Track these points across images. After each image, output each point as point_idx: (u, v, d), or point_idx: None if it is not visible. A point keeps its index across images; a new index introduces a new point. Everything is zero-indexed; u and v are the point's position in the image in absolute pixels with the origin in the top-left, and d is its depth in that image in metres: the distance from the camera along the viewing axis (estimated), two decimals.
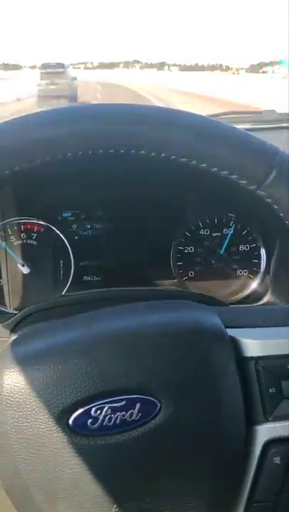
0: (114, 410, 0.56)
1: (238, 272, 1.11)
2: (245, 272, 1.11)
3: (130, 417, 0.56)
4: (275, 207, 0.63)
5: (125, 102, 0.82)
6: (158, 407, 0.56)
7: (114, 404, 0.56)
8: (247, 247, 1.10)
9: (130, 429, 0.56)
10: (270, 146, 0.63)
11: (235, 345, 0.62)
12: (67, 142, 0.59)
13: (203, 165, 0.61)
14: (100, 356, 0.57)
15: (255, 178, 0.61)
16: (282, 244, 0.90)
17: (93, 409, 0.55)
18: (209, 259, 1.10)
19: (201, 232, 1.10)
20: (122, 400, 0.56)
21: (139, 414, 0.56)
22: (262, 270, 1.09)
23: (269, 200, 0.63)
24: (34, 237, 1.05)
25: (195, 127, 0.61)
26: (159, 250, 1.10)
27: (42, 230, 1.05)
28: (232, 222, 1.09)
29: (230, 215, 1.08)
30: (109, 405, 0.56)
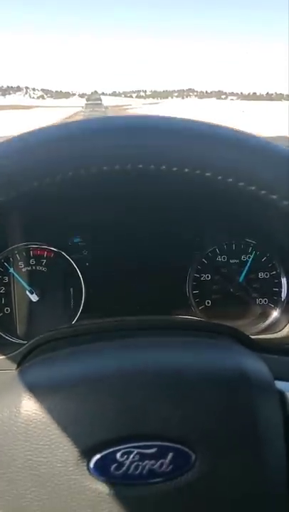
0: (143, 457, 0.48)
1: (258, 301, 1.04)
2: (266, 301, 1.04)
3: (160, 468, 0.48)
4: None
5: None
6: (192, 460, 0.49)
7: (144, 451, 0.48)
8: (267, 275, 1.03)
9: (159, 481, 0.48)
10: None
11: (283, 399, 0.53)
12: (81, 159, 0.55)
13: (229, 180, 0.55)
14: (134, 394, 0.50)
15: (287, 193, 0.55)
16: None
17: (119, 453, 0.48)
18: (227, 287, 1.04)
19: (219, 258, 1.04)
20: (153, 447, 0.49)
21: (171, 466, 0.48)
22: (283, 299, 1.02)
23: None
24: (44, 263, 1.02)
25: (225, 140, 0.55)
26: (174, 277, 1.05)
27: (52, 255, 1.02)
28: (251, 249, 1.03)
29: (249, 240, 1.03)
30: (138, 450, 0.48)
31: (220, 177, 0.54)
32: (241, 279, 1.03)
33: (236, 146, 0.55)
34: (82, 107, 37.58)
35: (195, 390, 0.51)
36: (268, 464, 0.50)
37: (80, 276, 1.02)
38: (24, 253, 1.02)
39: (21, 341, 0.99)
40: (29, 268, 1.02)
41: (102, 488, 0.48)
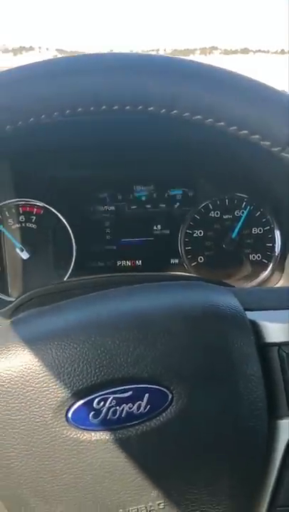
0: (119, 402, 0.48)
1: (251, 257, 1.03)
2: (259, 257, 1.02)
3: (138, 410, 0.49)
4: None
5: None
6: (169, 398, 0.49)
7: (120, 395, 0.49)
8: (260, 230, 1.01)
9: (137, 423, 0.49)
10: None
11: (256, 329, 0.53)
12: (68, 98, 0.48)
13: (220, 123, 0.50)
14: (104, 340, 0.49)
15: (281, 139, 0.51)
16: None
17: (96, 401, 0.48)
18: (220, 243, 1.02)
19: (211, 214, 1.02)
20: (128, 390, 0.49)
21: (148, 407, 0.49)
22: (276, 254, 1.01)
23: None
24: (33, 220, 1.01)
25: (214, 80, 0.50)
26: (165, 234, 1.03)
27: (42, 212, 1.01)
28: (244, 204, 1.01)
29: (242, 195, 1.00)
30: (114, 396, 0.48)
31: (210, 120, 0.50)
32: (234, 234, 1.01)
33: (230, 86, 0.52)
34: None
35: (164, 328, 0.50)
36: (244, 396, 0.50)
37: (71, 232, 1.01)
38: (13, 210, 1.01)
39: (12, 299, 0.99)
40: (19, 225, 1.01)
41: (82, 436, 0.48)
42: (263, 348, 0.53)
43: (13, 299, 0.98)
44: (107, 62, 0.50)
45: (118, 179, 1.02)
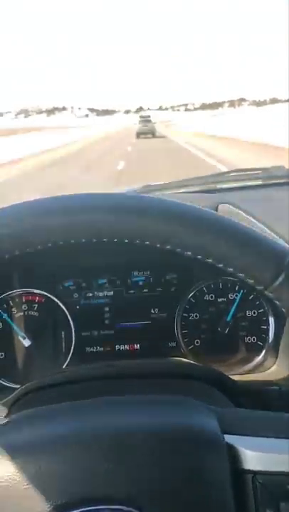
0: None
1: (247, 339, 1.04)
2: (254, 339, 1.03)
3: None
4: (283, 310, 0.59)
5: None
6: None
7: None
8: (254, 313, 1.03)
9: None
10: (281, 247, 0.59)
11: (232, 454, 0.53)
12: (72, 231, 0.59)
13: (209, 260, 0.58)
14: (80, 457, 0.50)
15: (263, 280, 0.57)
16: None
17: None
18: (215, 326, 1.04)
19: (206, 297, 1.05)
20: (101, 511, 0.49)
21: None
22: (270, 336, 1.02)
23: (277, 301, 0.59)
24: (35, 308, 1.06)
25: (204, 223, 0.58)
26: (162, 317, 1.06)
27: (43, 300, 1.05)
28: (238, 287, 1.03)
29: (235, 278, 1.02)
30: None
31: (199, 256, 0.58)
32: (229, 317, 1.03)
33: (218, 230, 0.58)
34: (136, 123, 44.71)
35: (140, 449, 0.51)
36: None
37: (70, 319, 1.05)
38: (17, 299, 1.06)
39: (15, 385, 1.02)
40: (22, 313, 1.05)
41: None
42: (238, 474, 0.52)
43: (16, 386, 1.02)
44: (114, 203, 0.58)
45: (116, 265, 1.06)
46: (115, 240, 0.58)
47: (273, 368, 0.98)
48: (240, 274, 0.57)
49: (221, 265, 0.57)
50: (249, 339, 1.04)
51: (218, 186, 1.57)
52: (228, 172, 1.81)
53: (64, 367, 1.04)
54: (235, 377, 0.93)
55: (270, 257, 0.57)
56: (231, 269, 0.57)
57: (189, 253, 0.57)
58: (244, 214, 0.98)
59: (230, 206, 1.00)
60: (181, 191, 1.52)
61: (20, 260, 1.01)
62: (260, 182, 1.59)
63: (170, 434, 0.53)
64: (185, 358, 1.03)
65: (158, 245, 0.57)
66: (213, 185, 1.59)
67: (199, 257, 0.57)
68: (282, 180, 1.54)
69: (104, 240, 0.57)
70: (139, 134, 38.68)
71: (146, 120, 41.87)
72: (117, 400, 0.60)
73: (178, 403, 0.61)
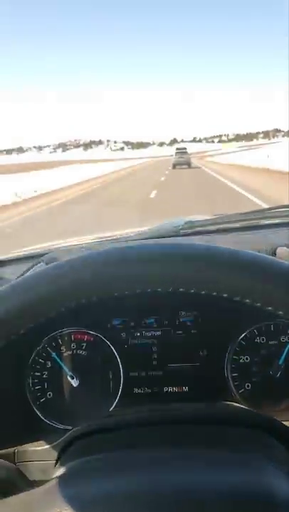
0: None
1: None
2: None
3: None
4: None
5: None
6: None
7: None
8: None
9: None
10: None
11: None
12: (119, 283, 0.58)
13: (269, 308, 0.56)
14: None
15: None
16: None
17: None
18: (267, 369, 1.01)
19: (257, 340, 1.02)
20: None
21: None
22: None
23: None
24: (84, 347, 1.05)
25: (273, 275, 0.55)
26: (212, 360, 1.04)
27: (92, 339, 1.05)
28: None
29: (287, 321, 1.00)
30: None
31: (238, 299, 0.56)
32: (281, 361, 1.00)
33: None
34: (172, 155, 45.18)
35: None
36: None
37: (119, 359, 1.04)
38: (66, 338, 1.06)
39: (64, 426, 1.01)
40: (70, 352, 1.05)
41: None
42: None
43: (63, 427, 1.00)
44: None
45: (164, 305, 1.05)
46: (158, 290, 0.57)
47: None
48: (280, 312, 0.55)
49: (258, 304, 0.55)
50: None
51: (261, 222, 1.55)
52: (270, 209, 1.78)
53: (112, 408, 1.03)
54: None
55: None
56: (270, 308, 0.55)
57: (258, 304, 0.55)
58: None
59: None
60: (222, 227, 1.51)
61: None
62: None
63: (249, 501, 0.50)
64: (236, 402, 1.01)
65: (203, 292, 0.56)
66: (255, 221, 1.57)
67: (259, 304, 0.56)
68: None
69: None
70: (175, 165, 40.14)
71: (182, 152, 43.30)
72: (181, 456, 0.58)
73: (248, 462, 0.58)
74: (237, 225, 1.54)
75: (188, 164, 40.51)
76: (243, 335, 1.02)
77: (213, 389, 1.03)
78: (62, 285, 0.57)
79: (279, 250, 0.97)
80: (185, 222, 1.58)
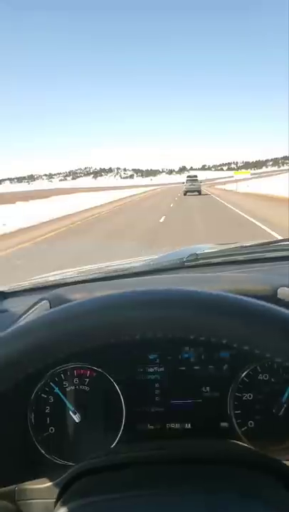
0: None
1: None
2: None
3: None
4: None
5: None
6: None
7: None
8: None
9: None
10: None
11: None
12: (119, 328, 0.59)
13: (257, 351, 0.56)
14: None
15: None
16: None
17: None
18: (270, 407, 1.00)
19: (260, 377, 1.01)
20: None
21: None
22: None
23: None
24: (86, 383, 1.05)
25: (273, 323, 0.56)
26: (215, 396, 1.03)
27: (94, 375, 1.05)
28: None
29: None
30: None
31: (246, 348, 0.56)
32: (284, 398, 0.99)
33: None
34: (184, 182, 47.78)
35: None
36: None
37: (121, 395, 1.03)
38: (69, 373, 1.05)
39: (65, 462, 1.00)
40: (73, 388, 1.05)
41: None
42: None
43: (65, 462, 1.00)
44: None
45: (167, 341, 1.05)
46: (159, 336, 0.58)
47: None
48: (278, 359, 0.55)
49: (257, 351, 0.55)
50: None
51: (267, 255, 1.55)
52: (275, 241, 1.79)
53: (114, 445, 1.02)
54: None
55: None
56: (268, 355, 0.55)
57: (257, 352, 0.55)
58: None
59: None
60: (226, 259, 1.51)
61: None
62: None
63: None
64: (238, 440, 0.99)
65: (202, 338, 0.57)
66: (260, 254, 1.57)
67: (257, 352, 0.56)
68: None
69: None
70: (186, 192, 42.97)
71: (193, 180, 45.93)
72: (180, 499, 0.58)
73: (256, 503, 0.59)
74: (241, 258, 1.54)
75: (199, 191, 42.85)
76: (245, 372, 1.02)
77: (216, 426, 1.02)
78: (64, 333, 0.59)
79: (280, 291, 0.97)
80: (190, 254, 1.59)
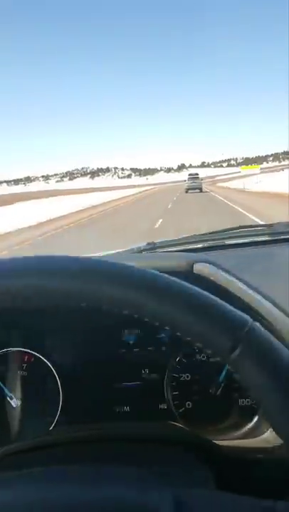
0: None
1: (240, 402, 0.98)
2: (248, 402, 0.98)
3: None
4: (243, 384, 0.53)
5: None
6: None
7: None
8: None
9: None
10: (239, 316, 0.54)
11: None
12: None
13: (166, 328, 0.55)
14: None
15: (220, 350, 0.52)
16: None
17: None
18: (207, 387, 0.99)
19: (198, 357, 1.01)
20: None
21: None
22: None
23: (237, 374, 0.52)
24: (24, 368, 1.04)
25: (160, 290, 0.55)
26: (153, 378, 1.02)
27: (32, 360, 1.04)
28: None
29: None
30: None
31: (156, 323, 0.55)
32: (221, 378, 0.98)
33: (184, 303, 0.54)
34: (185, 180, 48.98)
35: None
36: None
37: (58, 379, 1.03)
38: (5, 358, 1.05)
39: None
40: (10, 373, 1.04)
41: None
42: None
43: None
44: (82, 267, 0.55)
45: (106, 324, 1.04)
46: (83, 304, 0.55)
47: (268, 434, 0.92)
48: (198, 344, 0.53)
49: (178, 333, 0.54)
50: (243, 401, 0.98)
51: (227, 242, 1.55)
52: (233, 228, 1.78)
53: (51, 428, 1.01)
54: (227, 443, 0.88)
55: (227, 326, 0.52)
56: (189, 338, 0.53)
57: (147, 320, 0.55)
58: (223, 273, 0.93)
59: (208, 265, 0.95)
60: (181, 248, 1.50)
61: (7, 319, 1.01)
62: (266, 238, 1.55)
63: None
64: (176, 421, 0.98)
65: (116, 310, 0.55)
66: (220, 241, 1.56)
67: (157, 323, 0.55)
68: (287, 236, 1.50)
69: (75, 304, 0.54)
70: (187, 189, 43.80)
71: (194, 177, 47.32)
72: (86, 473, 0.57)
73: (135, 481, 0.57)
74: (199, 245, 1.53)
75: (200, 189, 43.44)
76: (183, 352, 1.01)
77: (155, 408, 1.01)
78: None
79: (197, 266, 0.95)
80: (148, 243, 1.58)
